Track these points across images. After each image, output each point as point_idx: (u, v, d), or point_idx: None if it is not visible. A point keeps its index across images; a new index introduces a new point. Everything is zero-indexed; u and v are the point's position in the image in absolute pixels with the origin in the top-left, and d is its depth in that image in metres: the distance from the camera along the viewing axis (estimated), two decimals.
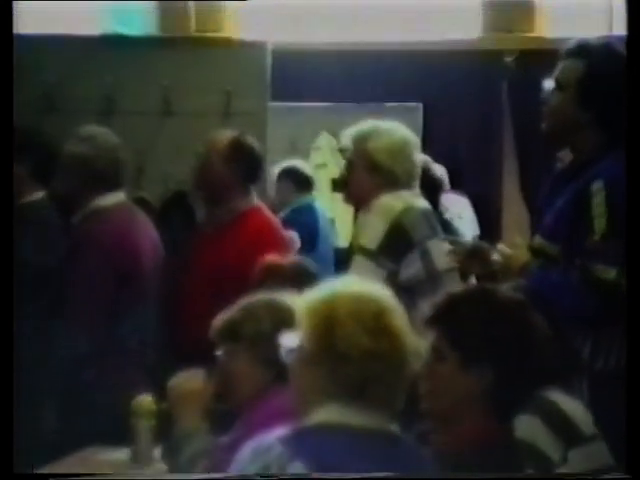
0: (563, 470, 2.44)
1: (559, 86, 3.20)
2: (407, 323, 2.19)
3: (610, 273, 2.99)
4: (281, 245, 4.32)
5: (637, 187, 2.64)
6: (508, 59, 6.34)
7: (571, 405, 2.58)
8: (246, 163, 4.35)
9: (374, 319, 2.14)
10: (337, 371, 2.12)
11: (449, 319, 2.34)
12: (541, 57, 6.15)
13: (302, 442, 2.09)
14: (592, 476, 2.40)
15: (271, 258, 3.84)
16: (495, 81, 6.35)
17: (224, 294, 3.82)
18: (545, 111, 3.26)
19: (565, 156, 3.32)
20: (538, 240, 3.20)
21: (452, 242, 3.51)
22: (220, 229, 4.40)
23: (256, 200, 4.44)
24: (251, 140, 4.45)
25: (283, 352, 2.21)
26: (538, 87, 6.22)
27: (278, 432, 2.12)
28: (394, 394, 2.17)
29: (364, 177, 3.75)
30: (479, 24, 6.46)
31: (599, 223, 3.02)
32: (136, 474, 3.03)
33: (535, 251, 3.18)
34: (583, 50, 3.19)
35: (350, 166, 3.81)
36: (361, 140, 3.78)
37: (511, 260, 3.20)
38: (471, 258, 3.30)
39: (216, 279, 4.18)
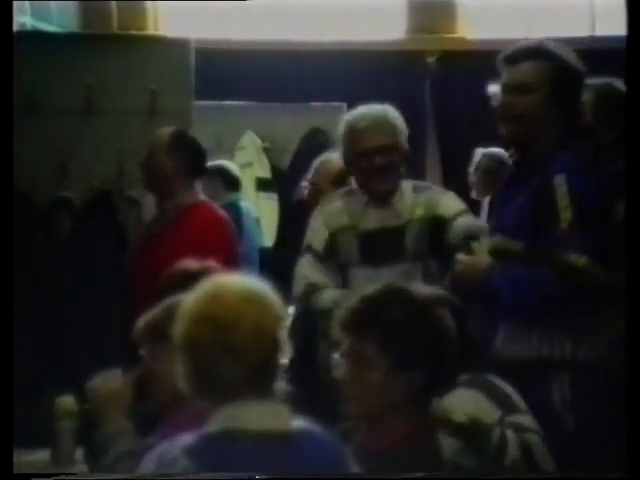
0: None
1: (527, 89, 3.20)
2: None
3: (580, 260, 3.06)
4: (229, 238, 4.33)
5: (637, 187, 2.70)
6: (430, 59, 6.40)
7: (506, 385, 2.69)
8: (188, 154, 4.40)
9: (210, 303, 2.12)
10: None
11: (373, 323, 2.29)
12: (462, 58, 6.23)
13: (205, 452, 2.03)
14: (592, 476, 2.44)
15: (182, 264, 3.78)
16: (418, 81, 6.40)
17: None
18: (506, 114, 3.23)
19: (511, 155, 3.36)
20: (500, 240, 3.22)
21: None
22: (167, 225, 4.39)
23: (201, 195, 4.46)
24: (191, 134, 4.50)
25: None
26: (460, 87, 6.32)
27: (182, 440, 2.08)
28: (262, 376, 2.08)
29: None
30: (403, 25, 6.51)
31: (565, 214, 3.08)
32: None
33: (498, 252, 3.19)
34: (545, 52, 3.23)
35: None
36: None
37: (472, 267, 3.19)
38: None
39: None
